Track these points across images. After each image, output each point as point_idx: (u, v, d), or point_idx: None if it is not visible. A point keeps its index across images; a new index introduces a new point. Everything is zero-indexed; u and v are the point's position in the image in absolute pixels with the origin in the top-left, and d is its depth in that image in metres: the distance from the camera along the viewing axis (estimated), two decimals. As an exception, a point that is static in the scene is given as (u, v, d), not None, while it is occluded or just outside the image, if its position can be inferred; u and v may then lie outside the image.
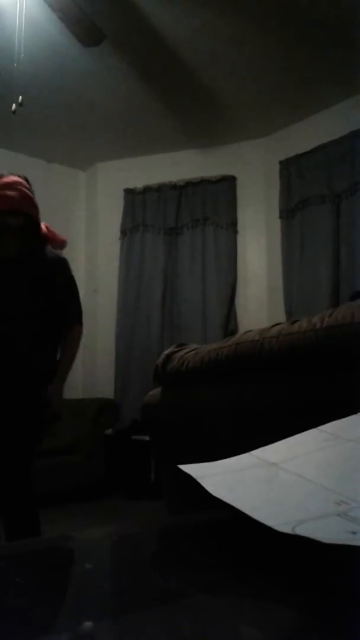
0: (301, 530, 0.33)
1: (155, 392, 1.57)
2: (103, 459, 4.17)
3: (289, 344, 1.13)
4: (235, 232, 4.57)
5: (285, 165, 4.26)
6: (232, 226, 4.56)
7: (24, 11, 2.73)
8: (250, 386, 1.24)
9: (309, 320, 1.13)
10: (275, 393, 1.17)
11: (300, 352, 1.11)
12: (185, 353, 1.42)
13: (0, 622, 0.27)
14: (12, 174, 2.17)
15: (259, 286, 4.49)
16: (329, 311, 1.12)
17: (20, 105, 2.69)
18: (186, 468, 0.46)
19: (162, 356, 1.49)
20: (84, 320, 2.31)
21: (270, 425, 0.85)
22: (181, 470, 0.46)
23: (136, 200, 4.83)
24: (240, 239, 4.58)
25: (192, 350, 1.42)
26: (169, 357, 1.47)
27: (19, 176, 2.18)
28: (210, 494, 0.41)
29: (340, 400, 0.72)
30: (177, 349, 1.49)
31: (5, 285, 2.11)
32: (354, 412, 0.52)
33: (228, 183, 4.57)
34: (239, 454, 0.49)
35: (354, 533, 0.32)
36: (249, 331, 1.29)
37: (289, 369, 1.15)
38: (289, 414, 1.03)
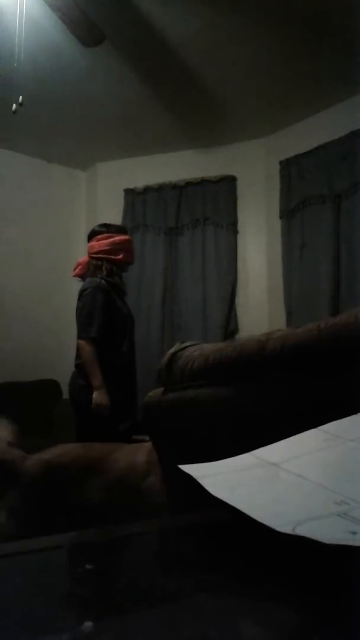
0: (302, 531, 0.33)
1: (156, 391, 1.56)
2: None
3: (292, 343, 1.13)
4: (235, 232, 4.57)
5: (286, 165, 4.25)
6: (232, 226, 4.56)
7: (24, 11, 2.73)
8: (253, 386, 1.24)
9: (314, 323, 1.13)
10: (277, 393, 1.17)
11: (303, 351, 1.11)
12: (190, 353, 1.42)
13: (0, 622, 0.27)
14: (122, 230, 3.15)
15: (259, 286, 4.49)
16: (337, 317, 1.12)
17: (20, 105, 2.68)
18: (187, 468, 0.46)
19: (167, 355, 1.49)
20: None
21: (272, 425, 0.85)
22: (182, 471, 0.46)
23: (136, 201, 4.83)
24: (240, 239, 4.58)
25: (196, 346, 1.42)
26: (173, 357, 1.46)
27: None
28: (210, 494, 0.41)
29: (342, 401, 0.72)
30: (181, 348, 1.48)
31: None
32: (355, 412, 0.52)
33: (228, 183, 4.57)
34: (240, 454, 0.49)
35: (354, 533, 0.32)
36: (254, 334, 1.29)
37: (292, 368, 1.15)
38: (291, 414, 1.03)
